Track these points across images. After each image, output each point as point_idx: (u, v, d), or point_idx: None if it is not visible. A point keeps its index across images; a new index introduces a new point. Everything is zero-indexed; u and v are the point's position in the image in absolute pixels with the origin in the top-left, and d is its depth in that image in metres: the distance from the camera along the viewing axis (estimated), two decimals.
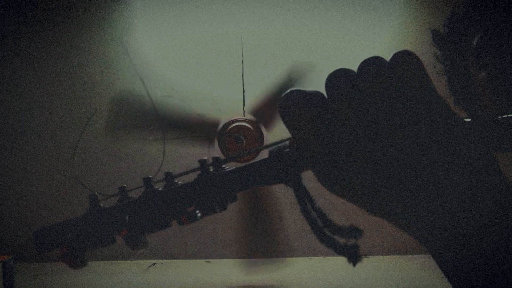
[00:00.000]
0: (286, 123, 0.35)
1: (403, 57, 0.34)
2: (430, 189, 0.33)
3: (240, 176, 0.46)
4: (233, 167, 0.47)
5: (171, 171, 0.49)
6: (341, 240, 0.39)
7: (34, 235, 0.51)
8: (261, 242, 1.52)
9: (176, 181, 0.49)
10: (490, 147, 0.35)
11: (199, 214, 0.48)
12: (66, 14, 1.51)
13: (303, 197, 0.40)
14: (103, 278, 1.38)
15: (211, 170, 0.47)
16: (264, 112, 1.38)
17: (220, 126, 1.38)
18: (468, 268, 0.32)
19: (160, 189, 0.48)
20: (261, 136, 1.36)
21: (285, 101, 0.35)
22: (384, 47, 1.48)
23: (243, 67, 1.48)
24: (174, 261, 1.50)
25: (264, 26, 1.49)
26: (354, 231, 0.39)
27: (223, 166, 0.48)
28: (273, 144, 0.43)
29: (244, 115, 1.41)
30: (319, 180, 0.36)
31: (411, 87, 0.34)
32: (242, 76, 1.49)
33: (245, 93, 1.46)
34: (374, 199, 0.35)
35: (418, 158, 0.33)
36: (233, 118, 1.39)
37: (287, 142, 0.41)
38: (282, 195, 1.48)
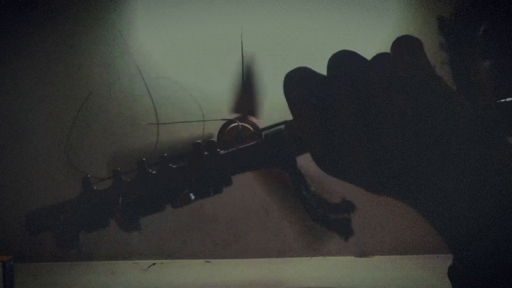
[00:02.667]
0: (289, 106, 0.36)
1: (405, 41, 0.34)
2: (430, 189, 0.33)
3: (235, 159, 0.46)
4: (229, 150, 0.47)
5: (165, 154, 0.49)
6: (334, 216, 0.39)
7: (26, 217, 0.51)
8: (262, 242, 1.52)
9: (170, 165, 0.49)
10: (504, 131, 0.35)
11: (192, 197, 0.47)
12: (66, 14, 1.51)
13: (298, 179, 0.40)
14: (103, 278, 1.38)
15: (206, 153, 0.47)
16: (243, 106, 1.40)
17: (214, 137, 1.39)
18: (468, 268, 0.32)
19: (154, 172, 0.48)
20: (260, 135, 1.36)
21: (289, 83, 0.35)
22: (384, 47, 1.48)
23: (243, 67, 1.48)
24: (174, 261, 1.50)
25: (264, 26, 1.49)
26: (348, 205, 0.39)
27: (218, 150, 0.48)
28: (268, 128, 0.43)
29: (232, 113, 1.42)
30: (316, 162, 0.36)
31: (413, 86, 0.33)
32: (242, 76, 1.49)
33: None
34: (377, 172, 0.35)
35: (418, 158, 0.33)
36: (232, 119, 1.39)
37: (282, 126, 0.41)
38: (282, 195, 1.48)
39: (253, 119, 1.38)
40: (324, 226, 0.39)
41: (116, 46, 1.51)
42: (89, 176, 0.50)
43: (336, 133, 0.34)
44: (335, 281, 1.28)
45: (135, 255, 1.50)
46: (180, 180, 0.47)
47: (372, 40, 1.48)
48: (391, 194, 0.34)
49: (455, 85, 0.69)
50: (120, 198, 0.48)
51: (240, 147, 0.46)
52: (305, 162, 0.40)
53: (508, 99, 0.36)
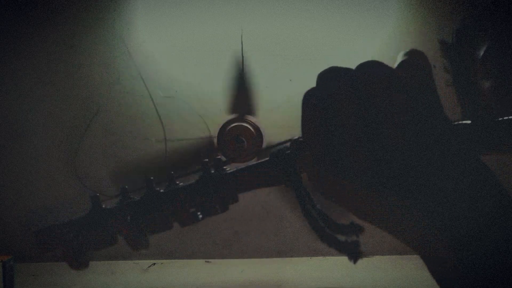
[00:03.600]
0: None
1: (410, 56, 0.34)
2: (430, 189, 0.33)
3: (242, 177, 0.47)
4: (235, 168, 0.48)
5: (172, 172, 0.49)
6: (342, 238, 0.39)
7: (35, 235, 0.51)
8: (262, 242, 1.52)
9: (177, 182, 0.49)
10: (490, 148, 0.36)
11: (200, 216, 0.48)
12: (66, 14, 1.51)
13: (304, 197, 0.41)
14: (103, 278, 1.38)
15: (213, 171, 0.48)
16: (238, 106, 1.40)
17: (214, 141, 1.39)
18: (468, 268, 0.32)
19: (161, 190, 0.48)
20: (260, 135, 1.36)
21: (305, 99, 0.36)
22: (384, 47, 1.48)
23: (243, 67, 1.48)
24: (174, 261, 1.50)
25: (264, 26, 1.49)
26: (355, 228, 0.39)
27: (224, 167, 0.48)
28: (274, 146, 0.44)
29: (229, 114, 1.42)
30: (316, 163, 0.36)
31: (413, 86, 0.34)
32: (242, 76, 1.49)
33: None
34: (373, 201, 0.35)
35: (418, 158, 0.33)
36: (232, 119, 1.39)
37: (288, 144, 0.41)
38: (282, 195, 1.48)
39: (253, 119, 1.38)
40: (333, 247, 0.40)
41: (116, 46, 1.51)
42: (98, 194, 0.51)
43: (336, 132, 0.34)
44: (335, 281, 1.28)
45: (135, 255, 1.50)
46: (187, 199, 0.48)
47: (372, 40, 1.48)
48: (391, 194, 0.34)
49: (460, 106, 0.69)
50: (129, 216, 0.48)
51: (247, 165, 0.47)
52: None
53: (510, 117, 0.36)
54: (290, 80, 1.43)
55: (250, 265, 1.44)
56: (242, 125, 1.36)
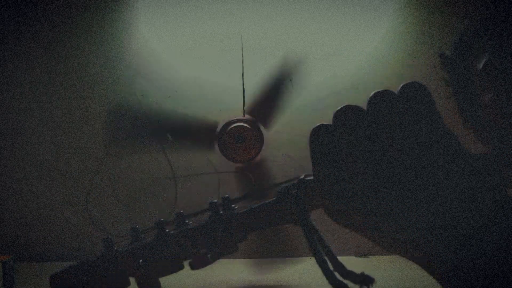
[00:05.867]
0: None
1: (412, 88, 0.35)
2: (431, 189, 0.33)
3: (250, 218, 0.47)
4: (244, 209, 0.48)
5: (182, 211, 0.49)
6: (353, 286, 0.38)
7: (51, 279, 0.52)
8: (262, 242, 1.52)
9: (187, 221, 0.49)
10: (506, 182, 0.35)
11: (210, 258, 0.48)
12: (66, 14, 1.51)
13: (313, 237, 0.40)
14: None
15: (221, 212, 0.48)
16: (261, 111, 1.39)
17: (219, 127, 1.38)
18: (468, 268, 0.32)
19: (172, 232, 0.48)
20: (261, 137, 1.36)
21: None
22: (384, 46, 1.48)
23: (243, 67, 1.49)
24: None
25: (264, 26, 1.49)
26: (366, 279, 0.38)
27: (233, 206, 0.48)
28: (280, 184, 0.44)
29: (244, 115, 1.41)
30: (329, 215, 0.36)
31: (419, 117, 0.34)
32: (242, 76, 1.49)
33: (245, 93, 1.46)
34: (374, 203, 0.35)
35: (418, 158, 0.33)
36: (232, 119, 1.39)
37: (295, 181, 0.41)
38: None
39: (253, 119, 1.38)
40: None
41: (116, 46, 1.51)
42: (110, 236, 0.51)
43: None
44: None
45: None
46: (197, 240, 0.48)
47: (372, 40, 1.48)
48: (391, 194, 0.34)
49: (461, 119, 0.69)
50: (141, 259, 0.49)
51: (255, 205, 0.47)
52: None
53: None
54: (291, 80, 1.42)
55: (250, 265, 1.44)
56: (242, 125, 1.36)
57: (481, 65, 0.64)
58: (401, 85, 0.35)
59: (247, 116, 1.38)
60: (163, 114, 1.43)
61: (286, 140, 1.46)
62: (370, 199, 0.35)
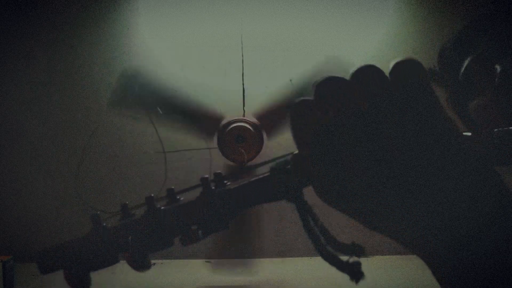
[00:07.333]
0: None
1: (404, 63, 0.34)
2: (431, 189, 0.33)
3: (242, 193, 0.46)
4: (235, 185, 0.47)
5: (173, 187, 0.49)
6: (344, 257, 0.38)
7: (37, 256, 0.50)
8: (262, 242, 1.52)
9: (178, 197, 0.49)
10: (493, 161, 0.35)
11: (201, 235, 0.47)
12: (66, 14, 1.51)
13: (305, 213, 0.40)
14: (103, 278, 1.38)
15: (213, 187, 0.47)
16: (269, 119, 1.37)
17: (223, 122, 1.37)
18: (468, 268, 0.32)
19: (162, 207, 0.48)
20: (261, 138, 1.36)
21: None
22: (384, 46, 1.48)
23: (243, 67, 1.49)
24: (174, 261, 1.50)
25: (264, 26, 1.49)
26: (356, 248, 0.39)
27: (225, 182, 0.48)
28: (273, 160, 0.43)
29: (244, 115, 1.41)
30: (318, 195, 0.36)
31: (409, 87, 0.34)
32: (242, 76, 1.49)
33: (245, 94, 1.46)
34: (374, 203, 0.35)
35: (418, 158, 0.33)
36: (233, 118, 1.39)
37: (288, 157, 0.41)
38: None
39: (253, 119, 1.38)
40: (334, 266, 0.39)
41: (116, 46, 1.51)
42: (98, 212, 0.50)
43: (336, 134, 0.34)
44: (335, 281, 1.28)
45: None
46: (188, 216, 0.47)
47: (372, 40, 1.48)
48: (391, 194, 0.34)
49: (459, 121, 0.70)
50: (130, 236, 0.48)
51: (247, 181, 0.46)
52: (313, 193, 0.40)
53: (506, 128, 0.36)
54: (291, 80, 1.42)
55: (250, 265, 1.44)
56: (242, 125, 1.36)
57: (461, 74, 0.65)
58: (394, 62, 0.34)
59: (250, 118, 1.38)
60: (174, 92, 1.41)
61: (286, 140, 1.46)
62: (370, 199, 0.35)
